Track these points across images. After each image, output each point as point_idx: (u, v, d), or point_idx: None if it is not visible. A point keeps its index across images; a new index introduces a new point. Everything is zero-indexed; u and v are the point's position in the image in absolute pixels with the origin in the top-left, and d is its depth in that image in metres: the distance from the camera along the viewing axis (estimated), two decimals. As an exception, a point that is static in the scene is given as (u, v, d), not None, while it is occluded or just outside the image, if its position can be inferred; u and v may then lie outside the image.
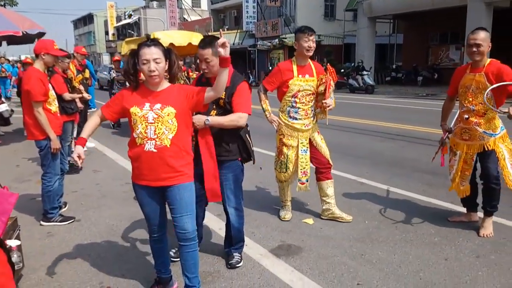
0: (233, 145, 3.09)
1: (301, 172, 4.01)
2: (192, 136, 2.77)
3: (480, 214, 3.86)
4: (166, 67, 2.57)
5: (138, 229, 3.93)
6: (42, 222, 4.21)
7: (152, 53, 2.47)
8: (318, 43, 27.79)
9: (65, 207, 4.63)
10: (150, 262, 3.06)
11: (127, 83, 2.78)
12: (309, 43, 3.78)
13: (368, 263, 3.25)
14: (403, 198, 4.73)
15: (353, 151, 7.17)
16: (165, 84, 2.61)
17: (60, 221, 4.21)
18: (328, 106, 3.83)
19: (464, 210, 4.05)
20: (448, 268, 3.13)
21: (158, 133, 2.49)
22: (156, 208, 2.69)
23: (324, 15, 28.56)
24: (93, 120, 2.70)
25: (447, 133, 3.89)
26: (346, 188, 5.11)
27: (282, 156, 4.03)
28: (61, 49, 5.05)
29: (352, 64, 22.99)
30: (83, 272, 3.23)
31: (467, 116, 3.62)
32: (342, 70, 22.52)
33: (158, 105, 2.51)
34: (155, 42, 2.55)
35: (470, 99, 3.58)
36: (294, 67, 3.87)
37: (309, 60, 3.95)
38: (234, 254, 3.27)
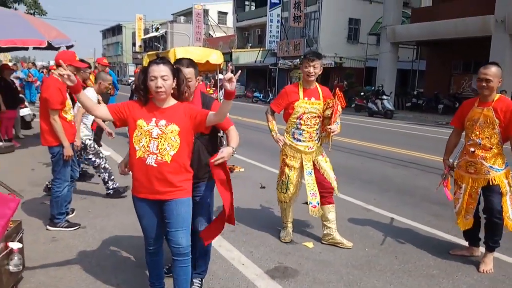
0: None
1: (310, 194, 4.00)
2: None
3: (482, 249, 3.80)
4: (174, 84, 2.66)
5: (140, 240, 3.97)
6: (48, 227, 4.32)
7: (160, 70, 2.56)
8: (340, 65, 28.02)
9: (72, 213, 4.74)
10: (146, 274, 3.11)
11: None
12: (309, 69, 3.86)
13: None
14: (407, 227, 4.69)
15: (363, 176, 7.14)
16: (172, 101, 2.69)
17: (66, 227, 4.32)
18: (333, 132, 3.86)
19: (466, 244, 3.99)
20: (443, 303, 3.09)
21: (160, 149, 2.56)
22: (154, 221, 2.75)
23: (348, 38, 28.76)
24: (100, 106, 2.75)
25: (449, 169, 3.90)
26: (351, 213, 5.08)
27: (284, 176, 4.08)
28: (82, 60, 5.25)
29: (373, 87, 22.95)
30: (81, 279, 3.30)
31: (473, 150, 3.60)
32: (362, 93, 22.50)
33: (163, 122, 2.60)
34: (164, 61, 2.65)
35: (477, 132, 3.57)
36: (300, 90, 3.95)
37: (316, 83, 4.02)
38: (194, 280, 3.12)
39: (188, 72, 2.90)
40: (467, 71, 22.38)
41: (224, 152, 2.73)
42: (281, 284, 3.30)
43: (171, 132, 2.58)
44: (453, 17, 18.64)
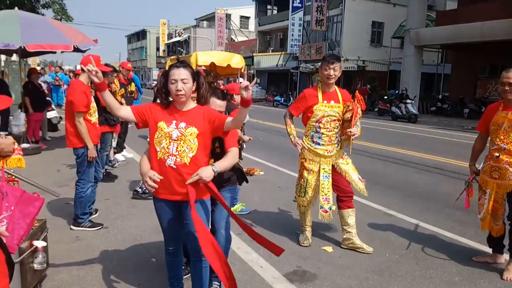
0: (233, 176, 3.23)
1: (323, 198, 4.01)
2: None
3: (506, 256, 3.69)
4: (194, 88, 2.69)
5: (161, 241, 4.03)
6: (72, 227, 4.43)
7: (180, 73, 2.60)
8: (363, 68, 27.75)
9: (95, 213, 4.85)
10: (166, 274, 3.14)
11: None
12: (329, 71, 3.83)
13: (382, 296, 3.18)
14: (429, 233, 4.60)
15: (385, 181, 7.04)
16: (192, 105, 2.73)
17: (89, 227, 4.42)
18: (353, 135, 3.83)
19: (490, 250, 3.89)
20: (465, 311, 3.02)
21: (180, 151, 2.60)
22: (173, 222, 2.78)
23: (371, 41, 28.48)
24: (124, 106, 2.78)
25: (474, 175, 3.83)
26: (373, 218, 5.02)
27: (302, 180, 4.07)
28: (106, 64, 5.37)
29: (396, 91, 22.63)
30: (103, 278, 3.37)
31: (497, 155, 3.52)
32: (386, 97, 22.21)
33: (183, 124, 2.64)
34: (184, 64, 2.69)
35: (502, 137, 3.49)
36: (319, 93, 3.94)
37: (335, 86, 4.00)
38: (213, 282, 3.18)
39: (222, 104, 3.06)
40: (494, 75, 21.77)
41: (202, 172, 2.54)
42: (299, 287, 3.29)
43: (190, 135, 2.61)
44: (478, 20, 18.21)
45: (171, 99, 2.71)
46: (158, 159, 2.62)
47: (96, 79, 2.55)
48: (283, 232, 4.49)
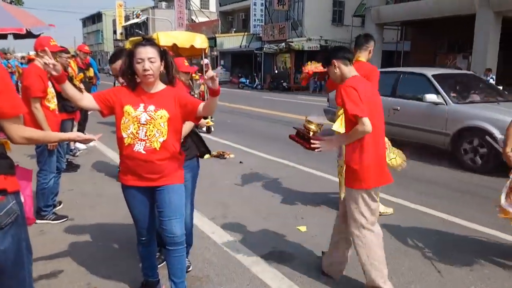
0: (190, 142, 3.03)
1: None
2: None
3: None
4: (162, 67, 2.53)
5: (130, 231, 3.86)
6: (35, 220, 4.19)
7: (147, 52, 2.43)
8: (325, 48, 27.82)
9: (59, 205, 4.62)
10: (139, 265, 3.03)
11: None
12: None
13: (358, 273, 3.19)
14: (400, 208, 4.65)
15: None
16: (161, 86, 2.57)
17: (53, 220, 4.20)
18: None
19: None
20: (440, 282, 3.09)
21: (149, 135, 2.46)
22: (145, 210, 2.66)
23: (332, 20, 28.56)
24: (85, 95, 2.58)
25: None
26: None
27: None
28: (61, 46, 5.03)
29: (358, 70, 22.87)
30: (72, 272, 3.21)
31: None
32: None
33: (152, 107, 2.49)
34: (151, 42, 2.52)
35: None
36: None
37: None
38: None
39: None
40: (452, 51, 22.47)
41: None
42: (278, 268, 3.25)
43: (160, 118, 2.47)
44: (437, -4, 18.59)
45: (138, 81, 2.55)
46: (126, 145, 2.47)
47: (54, 72, 2.33)
48: (256, 214, 4.43)
